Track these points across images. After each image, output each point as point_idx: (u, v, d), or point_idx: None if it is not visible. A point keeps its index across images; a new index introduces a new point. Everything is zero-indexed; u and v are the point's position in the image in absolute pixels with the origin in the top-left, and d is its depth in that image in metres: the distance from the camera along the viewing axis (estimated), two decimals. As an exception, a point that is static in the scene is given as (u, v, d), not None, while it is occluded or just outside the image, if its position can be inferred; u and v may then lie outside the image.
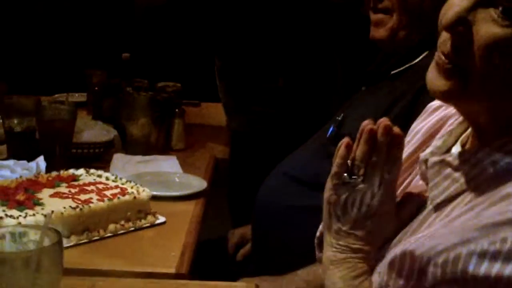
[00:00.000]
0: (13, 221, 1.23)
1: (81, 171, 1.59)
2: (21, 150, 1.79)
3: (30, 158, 1.69)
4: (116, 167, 1.80)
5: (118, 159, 1.86)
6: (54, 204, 1.35)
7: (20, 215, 1.27)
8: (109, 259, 1.30)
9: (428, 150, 0.99)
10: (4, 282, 0.84)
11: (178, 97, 2.29)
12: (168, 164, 1.87)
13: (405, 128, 1.47)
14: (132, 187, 1.49)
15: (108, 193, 1.45)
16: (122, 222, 1.41)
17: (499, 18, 0.80)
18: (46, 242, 0.88)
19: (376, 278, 0.94)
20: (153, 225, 1.45)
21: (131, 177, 1.68)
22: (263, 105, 2.45)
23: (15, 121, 1.81)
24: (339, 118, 1.65)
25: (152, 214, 1.47)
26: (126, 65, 2.45)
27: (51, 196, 1.41)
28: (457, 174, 0.89)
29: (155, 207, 1.51)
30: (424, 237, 0.87)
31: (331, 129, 1.66)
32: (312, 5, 2.41)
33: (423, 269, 0.82)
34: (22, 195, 1.36)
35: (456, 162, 0.89)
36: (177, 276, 1.24)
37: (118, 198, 1.42)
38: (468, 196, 0.87)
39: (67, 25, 4.36)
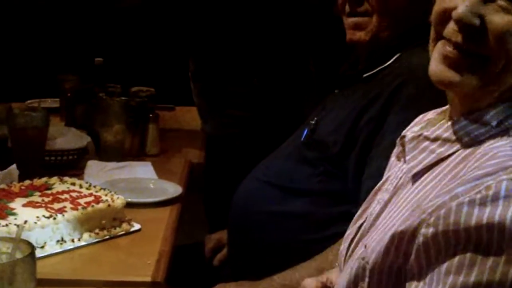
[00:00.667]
0: (-15, 232, 1.22)
1: (54, 179, 1.58)
2: (-8, 158, 1.78)
3: (2, 166, 1.67)
4: (90, 174, 1.80)
5: (92, 166, 1.85)
6: (27, 214, 1.34)
7: (-8, 226, 1.26)
8: (84, 268, 1.30)
9: (407, 130, 1.09)
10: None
11: (152, 102, 2.28)
12: (143, 170, 1.87)
13: (380, 129, 1.50)
14: (106, 195, 1.49)
15: (82, 201, 1.44)
16: (97, 231, 1.40)
17: (509, 6, 0.88)
18: (19, 254, 0.88)
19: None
20: (128, 233, 1.45)
21: (106, 184, 1.68)
22: (237, 108, 2.45)
23: (-13, 129, 1.80)
24: (313, 122, 1.66)
25: (127, 221, 1.47)
26: (99, 70, 2.44)
27: (24, 205, 1.40)
28: (433, 146, 0.97)
29: (130, 214, 1.51)
30: (406, 209, 0.94)
31: (305, 132, 1.67)
32: (285, 6, 2.42)
33: (414, 234, 0.88)
34: (-5, 205, 1.35)
35: (433, 135, 0.98)
36: (153, 284, 1.24)
37: (92, 206, 1.41)
38: (445, 164, 0.94)
39: (39, 30, 4.32)
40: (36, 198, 1.45)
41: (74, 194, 1.48)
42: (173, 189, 1.71)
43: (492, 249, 0.82)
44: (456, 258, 0.84)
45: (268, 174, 1.68)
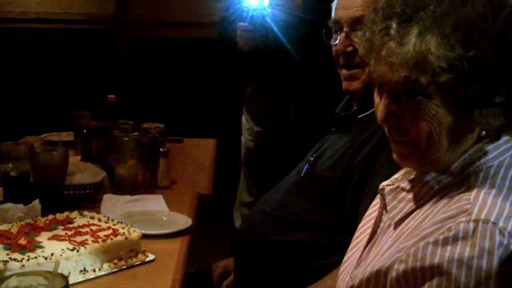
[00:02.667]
0: (17, 264, 1.35)
1: (75, 213, 1.71)
2: (16, 193, 1.91)
3: (26, 201, 1.81)
4: (106, 208, 1.92)
5: (108, 199, 1.98)
6: (53, 247, 1.47)
7: (23, 258, 1.39)
8: (105, 296, 1.43)
9: (386, 182, 1.23)
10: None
11: (162, 137, 2.42)
12: (155, 203, 2.00)
13: (372, 166, 1.62)
14: (123, 228, 1.62)
15: (101, 234, 1.57)
16: (115, 261, 1.53)
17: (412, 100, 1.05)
18: (57, 286, 1.01)
19: None
20: (143, 263, 1.58)
21: (121, 216, 1.81)
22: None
23: (10, 166, 1.93)
24: (312, 158, 1.79)
25: (142, 252, 1.59)
26: (112, 106, 2.58)
27: (50, 239, 1.53)
28: (409, 196, 1.13)
29: (145, 244, 1.63)
30: (387, 251, 1.09)
31: (305, 168, 1.81)
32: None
33: (390, 268, 1.05)
34: (24, 239, 1.48)
35: (408, 187, 1.14)
36: (167, 310, 1.37)
37: (111, 239, 1.54)
38: (420, 211, 1.09)
39: (54, 66, 4.49)
40: (60, 231, 1.58)
41: (94, 228, 1.61)
42: (183, 221, 1.83)
43: (451, 282, 0.96)
44: (426, 286, 0.99)
45: (272, 206, 1.81)
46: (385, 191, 1.18)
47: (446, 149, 1.07)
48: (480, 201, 1.01)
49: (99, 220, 1.68)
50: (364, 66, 1.68)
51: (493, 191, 1.03)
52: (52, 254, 1.42)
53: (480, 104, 1.03)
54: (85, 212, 1.73)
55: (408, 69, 1.01)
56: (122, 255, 1.55)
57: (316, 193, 1.72)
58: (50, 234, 1.56)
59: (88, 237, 1.55)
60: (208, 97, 4.43)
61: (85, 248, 1.48)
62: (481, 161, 1.07)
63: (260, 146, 2.90)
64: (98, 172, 2.11)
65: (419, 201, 1.11)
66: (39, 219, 1.65)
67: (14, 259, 1.38)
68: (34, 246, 1.47)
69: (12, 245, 1.46)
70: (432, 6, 1.02)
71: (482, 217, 0.99)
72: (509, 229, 0.98)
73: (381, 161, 1.60)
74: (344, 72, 1.74)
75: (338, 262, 1.61)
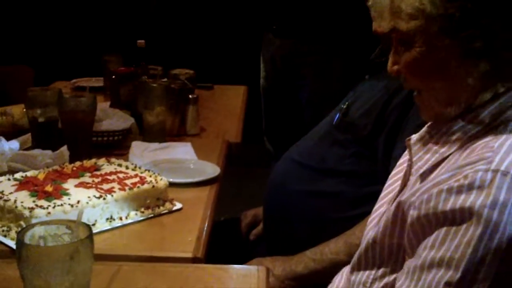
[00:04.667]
0: (43, 211, 1.34)
1: (102, 160, 1.69)
2: (44, 140, 1.90)
3: (54, 147, 1.80)
4: (134, 155, 1.91)
5: (136, 146, 1.96)
6: (80, 194, 1.46)
7: (49, 205, 1.37)
8: (131, 244, 1.41)
9: (414, 135, 1.19)
10: (43, 271, 0.95)
11: (191, 83, 2.38)
12: (183, 151, 1.97)
13: (406, 114, 1.57)
14: (150, 176, 1.60)
15: (128, 182, 1.55)
16: (142, 209, 1.51)
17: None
18: (80, 235, 0.99)
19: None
20: (170, 212, 1.56)
21: (149, 164, 1.79)
22: None
23: (38, 112, 1.92)
24: (344, 106, 1.74)
25: (169, 201, 1.57)
26: (142, 52, 2.54)
27: (76, 186, 1.51)
28: (436, 147, 1.09)
29: (172, 193, 1.61)
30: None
31: (336, 116, 1.76)
32: None
33: (407, 213, 1.03)
34: (50, 186, 1.47)
35: (435, 137, 1.10)
36: (194, 260, 1.35)
37: (138, 187, 1.52)
38: (446, 162, 1.05)
39: (84, 11, 4.47)
40: (87, 179, 1.56)
41: (121, 175, 1.59)
42: (211, 170, 1.81)
43: (460, 231, 0.94)
44: (433, 235, 0.98)
45: (302, 155, 1.77)
46: (411, 141, 1.15)
47: (446, 102, 1.06)
48: (503, 150, 0.97)
49: (127, 167, 1.66)
50: None
51: None
52: (78, 202, 1.41)
53: (462, 53, 1.02)
54: (113, 159, 1.71)
55: (390, 17, 1.06)
56: (149, 203, 1.53)
57: (348, 141, 1.68)
58: (77, 181, 1.54)
59: (115, 184, 1.53)
60: (239, 43, 4.35)
61: (112, 196, 1.47)
62: (511, 112, 1.03)
63: None
64: (126, 119, 2.08)
65: (446, 152, 1.06)
66: (66, 165, 1.64)
67: (40, 206, 1.37)
68: (60, 193, 1.45)
69: (38, 192, 1.45)
70: None
71: (503, 168, 0.94)
72: None
73: (414, 109, 1.55)
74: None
75: (367, 213, 1.58)
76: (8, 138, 1.90)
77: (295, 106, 2.92)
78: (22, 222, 1.35)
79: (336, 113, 1.76)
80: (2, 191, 1.45)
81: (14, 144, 1.89)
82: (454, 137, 1.06)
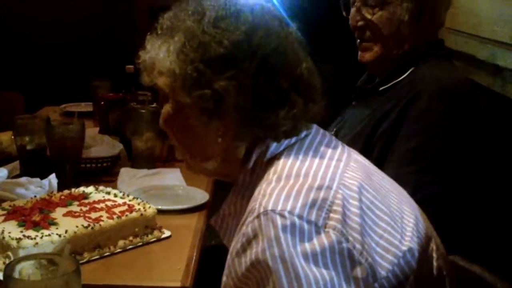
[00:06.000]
0: (30, 242, 1.34)
1: (90, 188, 1.69)
2: (33, 166, 1.90)
3: (42, 175, 1.79)
4: (123, 181, 1.91)
5: (125, 173, 1.96)
6: (67, 223, 1.45)
7: (37, 236, 1.37)
8: (119, 273, 1.40)
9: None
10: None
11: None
12: (172, 177, 1.97)
13: (391, 143, 1.58)
14: (139, 204, 1.59)
15: (117, 210, 1.55)
16: (131, 238, 1.51)
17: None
18: (68, 269, 0.99)
19: None
20: (159, 239, 1.56)
21: (138, 191, 1.79)
22: None
23: (27, 139, 1.92)
24: (332, 133, 1.75)
25: (158, 229, 1.57)
26: (130, 77, 2.54)
27: (64, 215, 1.51)
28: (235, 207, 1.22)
29: (161, 220, 1.61)
30: None
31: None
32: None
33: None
34: (38, 216, 1.46)
35: (231, 198, 1.23)
36: (182, 289, 1.35)
37: (126, 215, 1.52)
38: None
39: (72, 37, 4.47)
40: (75, 207, 1.56)
41: (109, 204, 1.59)
42: (200, 196, 1.81)
43: (272, 280, 0.96)
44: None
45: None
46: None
47: (202, 158, 1.19)
48: (261, 195, 1.04)
49: (115, 195, 1.66)
50: (376, 40, 1.66)
51: (270, 183, 1.05)
52: (66, 231, 1.41)
53: (200, 111, 1.12)
54: (101, 187, 1.71)
55: (147, 74, 1.18)
56: (137, 231, 1.53)
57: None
58: (64, 210, 1.54)
59: (103, 213, 1.53)
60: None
61: (100, 225, 1.46)
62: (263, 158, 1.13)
63: None
64: (115, 145, 2.09)
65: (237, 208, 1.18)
66: (54, 194, 1.64)
67: (28, 237, 1.36)
68: (48, 223, 1.45)
69: (26, 222, 1.44)
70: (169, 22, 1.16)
71: (261, 210, 1.00)
72: (289, 208, 0.99)
73: (401, 135, 1.56)
74: (358, 43, 1.73)
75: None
76: (-4, 166, 1.91)
77: None
78: (9, 253, 1.35)
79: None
80: (-10, 222, 1.45)
81: (2, 171, 1.89)
82: (239, 190, 1.17)
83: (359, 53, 1.72)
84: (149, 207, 1.57)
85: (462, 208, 1.54)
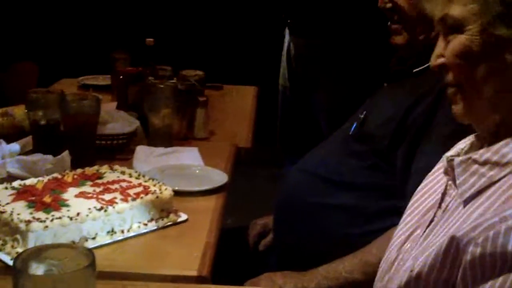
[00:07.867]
0: (40, 225, 1.27)
1: (105, 167, 1.61)
2: (46, 143, 1.82)
3: (56, 151, 1.72)
4: (139, 160, 1.83)
5: (141, 151, 1.88)
6: (80, 205, 1.38)
7: (47, 218, 1.30)
8: (133, 260, 1.33)
9: (451, 152, 1.08)
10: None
11: (201, 85, 2.29)
12: (190, 156, 1.88)
13: (429, 125, 1.48)
14: (154, 185, 1.51)
15: (131, 192, 1.47)
16: (145, 222, 1.43)
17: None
18: (81, 262, 0.90)
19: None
20: (175, 223, 1.47)
21: (154, 170, 1.71)
22: None
23: (40, 114, 1.84)
24: (362, 116, 1.65)
25: (174, 212, 1.49)
26: (150, 51, 2.45)
27: (76, 196, 1.43)
28: (483, 169, 0.96)
29: (177, 202, 1.53)
30: (455, 229, 0.94)
31: (353, 126, 1.67)
32: None
33: (464, 249, 0.89)
34: (49, 197, 1.39)
35: (482, 159, 0.97)
36: (198, 279, 1.27)
37: (141, 197, 1.44)
38: (496, 187, 0.93)
39: (92, 8, 4.39)
40: (88, 188, 1.48)
41: (124, 184, 1.51)
42: (218, 177, 1.72)
43: None
44: (500, 279, 0.85)
45: (316, 166, 1.69)
46: (455, 162, 1.01)
47: (493, 105, 0.96)
48: None
49: (130, 175, 1.58)
50: (403, 23, 1.57)
51: None
52: (78, 214, 1.33)
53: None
54: (116, 167, 1.63)
55: (444, 2, 0.99)
56: (152, 215, 1.45)
57: (365, 152, 1.59)
58: (77, 190, 1.46)
59: (117, 194, 1.45)
60: (250, 42, 4.26)
61: (113, 207, 1.38)
62: None
63: None
64: (131, 122, 2.00)
65: (495, 176, 0.95)
66: (67, 173, 1.56)
67: (38, 219, 1.29)
68: (59, 204, 1.37)
69: (36, 203, 1.37)
70: None
71: None
72: None
73: (438, 118, 1.46)
74: (389, 25, 1.62)
75: (384, 229, 1.50)
76: (9, 140, 1.83)
77: (310, 111, 2.79)
78: (18, 236, 1.28)
79: (353, 122, 1.68)
80: (-1, 201, 1.37)
81: (15, 147, 1.82)
82: (505, 160, 0.94)
83: (391, 36, 1.61)
84: (165, 188, 1.49)
85: None
